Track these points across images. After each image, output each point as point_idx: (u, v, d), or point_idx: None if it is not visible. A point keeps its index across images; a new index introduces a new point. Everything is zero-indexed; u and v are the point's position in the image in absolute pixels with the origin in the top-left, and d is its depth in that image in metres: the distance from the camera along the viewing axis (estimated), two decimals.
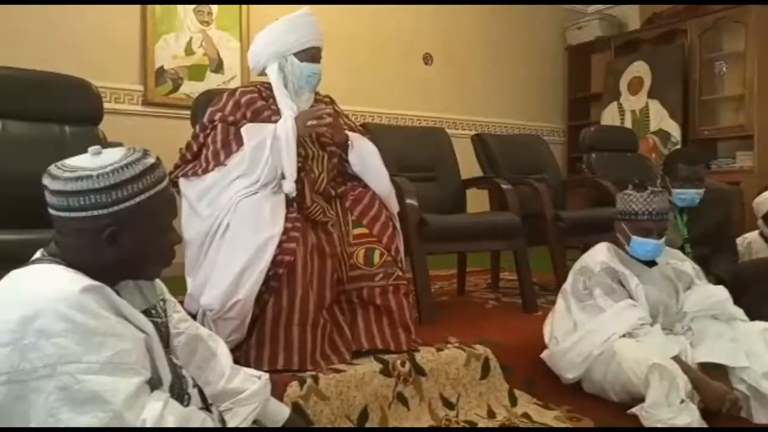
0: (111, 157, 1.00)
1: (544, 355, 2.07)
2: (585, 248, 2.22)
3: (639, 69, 4.97)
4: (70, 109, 2.14)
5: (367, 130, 2.41)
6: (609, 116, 5.13)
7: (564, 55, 5.62)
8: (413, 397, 1.83)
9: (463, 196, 3.04)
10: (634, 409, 1.76)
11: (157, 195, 1.03)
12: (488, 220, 2.73)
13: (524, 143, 3.47)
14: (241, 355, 1.77)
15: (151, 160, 1.03)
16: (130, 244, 1.01)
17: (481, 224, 2.65)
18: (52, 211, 0.99)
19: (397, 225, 2.14)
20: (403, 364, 1.86)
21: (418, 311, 2.35)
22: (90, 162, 0.98)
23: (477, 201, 3.21)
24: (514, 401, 1.99)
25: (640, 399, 1.77)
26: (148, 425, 0.89)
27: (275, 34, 2.09)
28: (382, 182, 2.13)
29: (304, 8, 2.11)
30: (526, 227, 2.65)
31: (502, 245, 2.78)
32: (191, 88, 3.69)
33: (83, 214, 0.97)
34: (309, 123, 1.98)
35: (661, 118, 4.80)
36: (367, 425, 1.72)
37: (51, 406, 0.85)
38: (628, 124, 4.94)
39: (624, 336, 1.90)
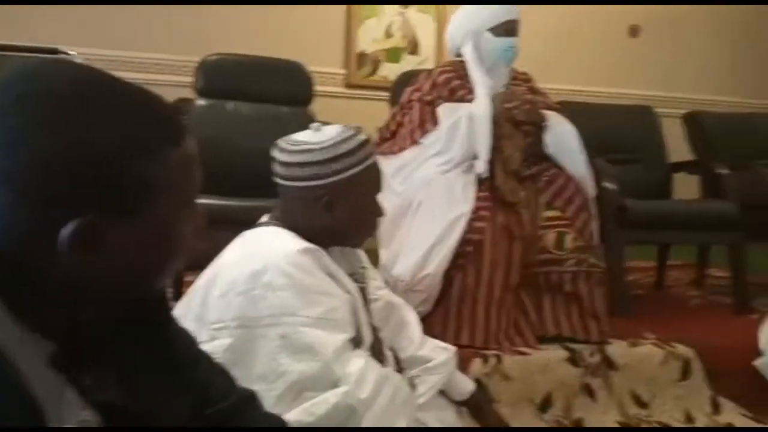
0: (329, 132, 1.10)
1: (758, 362, 1.84)
2: None
3: None
4: (285, 90, 2.38)
5: (565, 109, 2.31)
6: None
7: None
8: (601, 390, 1.76)
9: (670, 182, 2.78)
10: None
11: (368, 169, 1.11)
12: (699, 208, 2.48)
13: (747, 123, 3.04)
14: (426, 328, 1.84)
15: (363, 136, 1.12)
16: (342, 213, 1.11)
17: (690, 213, 2.42)
18: (278, 180, 1.13)
19: (593, 210, 2.04)
20: (592, 354, 1.79)
21: (611, 302, 2.22)
22: (312, 137, 1.10)
23: (686, 188, 2.91)
24: (716, 409, 1.81)
25: None
26: (352, 378, 0.98)
27: (468, 12, 2.09)
28: (579, 165, 2.05)
29: None
30: (746, 219, 2.35)
31: (714, 238, 2.51)
32: (388, 71, 3.85)
33: (304, 183, 1.09)
34: (507, 105, 1.97)
35: None
36: (551, 412, 1.70)
37: (273, 351, 0.99)
38: None
39: None
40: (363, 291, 1.28)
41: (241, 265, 1.05)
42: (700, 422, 1.75)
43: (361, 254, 1.34)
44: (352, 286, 1.12)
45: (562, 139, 2.06)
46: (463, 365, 1.64)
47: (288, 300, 1.00)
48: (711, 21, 4.51)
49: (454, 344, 1.73)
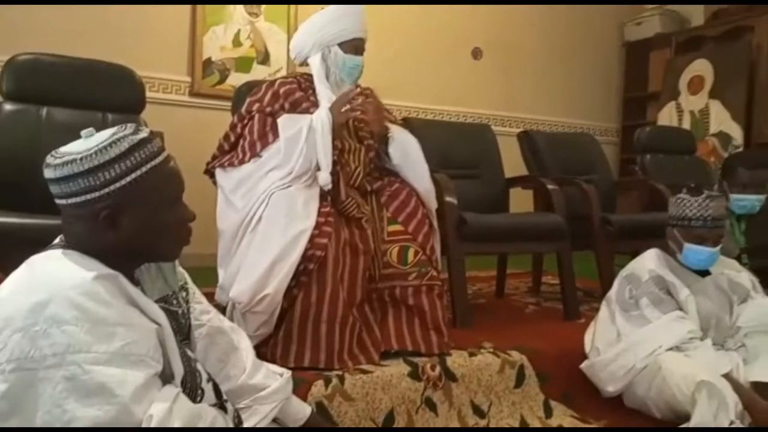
0: (99, 137, 0.96)
1: (583, 365, 1.97)
2: (634, 254, 2.10)
3: (700, 67, 4.73)
4: (112, 97, 2.16)
5: (409, 125, 2.34)
6: (666, 116, 4.90)
7: (621, 51, 5.41)
8: (442, 402, 1.77)
9: (506, 196, 2.94)
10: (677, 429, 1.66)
11: (152, 171, 0.97)
12: (531, 220, 2.63)
13: (574, 142, 3.34)
14: (267, 350, 1.75)
15: (141, 135, 0.98)
16: (132, 226, 0.97)
17: (523, 225, 2.56)
18: (55, 200, 0.98)
19: (434, 223, 2.08)
20: (433, 367, 1.80)
21: (452, 313, 2.28)
22: (80, 146, 0.96)
23: (521, 201, 3.10)
24: (549, 412, 1.90)
25: (686, 417, 1.67)
26: (154, 421, 0.86)
27: (320, 23, 2.05)
28: (422, 177, 2.07)
29: None
30: (572, 230, 2.54)
31: (545, 247, 2.68)
32: (237, 80, 3.69)
33: (76, 199, 0.95)
34: (343, 109, 1.93)
35: (722, 120, 4.54)
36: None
37: (58, 396, 0.84)
38: (686, 125, 4.71)
39: (671, 349, 1.80)
40: (182, 317, 1.16)
41: (20, 296, 0.88)
42: (534, 426, 1.83)
43: (182, 273, 1.22)
44: (161, 313, 0.99)
45: (407, 151, 2.08)
46: (304, 389, 1.57)
47: (77, 335, 0.85)
48: (545, 48, 4.92)
49: (297, 366, 1.68)
